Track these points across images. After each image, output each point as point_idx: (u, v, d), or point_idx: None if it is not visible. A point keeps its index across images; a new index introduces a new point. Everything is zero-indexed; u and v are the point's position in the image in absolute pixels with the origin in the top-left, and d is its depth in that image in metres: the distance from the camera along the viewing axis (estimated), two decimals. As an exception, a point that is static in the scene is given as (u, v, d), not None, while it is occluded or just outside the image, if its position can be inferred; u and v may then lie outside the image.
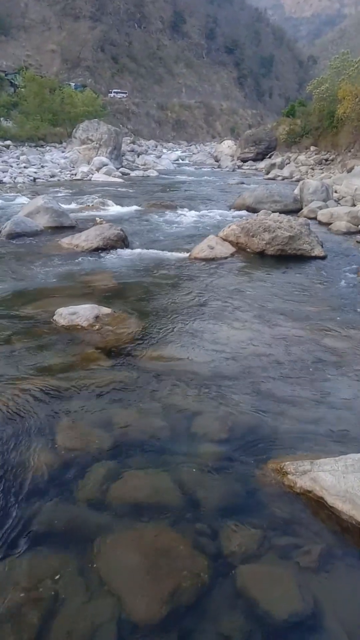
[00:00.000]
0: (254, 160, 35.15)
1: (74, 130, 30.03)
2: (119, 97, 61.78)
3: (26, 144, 32.77)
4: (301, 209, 12.36)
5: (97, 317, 4.73)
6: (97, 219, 10.09)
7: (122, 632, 1.90)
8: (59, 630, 1.89)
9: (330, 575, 2.14)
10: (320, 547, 2.24)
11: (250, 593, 2.04)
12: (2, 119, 36.83)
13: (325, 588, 2.08)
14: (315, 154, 29.90)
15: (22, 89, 40.35)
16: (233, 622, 1.94)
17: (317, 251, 7.88)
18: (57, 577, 2.11)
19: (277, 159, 29.74)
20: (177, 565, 2.17)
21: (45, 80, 41.39)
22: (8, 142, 32.14)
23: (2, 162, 21.75)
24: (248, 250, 8.09)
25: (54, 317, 4.78)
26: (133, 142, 46.00)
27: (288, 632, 1.90)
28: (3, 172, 18.97)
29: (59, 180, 19.51)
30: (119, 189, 17.45)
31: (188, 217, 11.63)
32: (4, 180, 17.69)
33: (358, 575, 2.17)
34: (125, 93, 63.83)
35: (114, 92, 62.23)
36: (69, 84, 51.20)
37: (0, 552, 2.22)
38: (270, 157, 33.75)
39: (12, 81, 48.60)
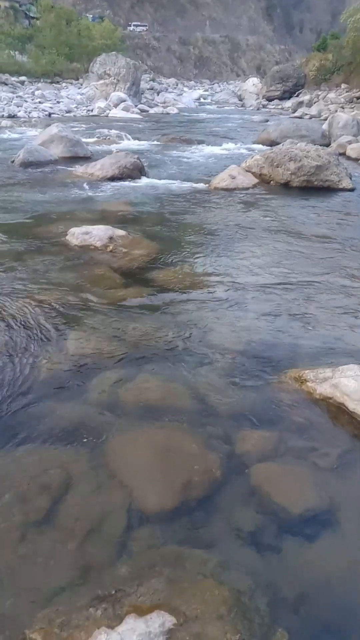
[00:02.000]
0: (280, 99, 33.12)
1: (91, 65, 28.55)
2: (138, 30, 58.21)
3: (42, 80, 31.47)
4: (329, 145, 11.62)
5: (111, 238, 4.55)
6: (114, 150, 9.66)
7: (132, 520, 1.85)
8: (66, 515, 1.86)
9: (348, 476, 2.05)
10: (339, 450, 2.14)
11: (265, 490, 1.96)
12: (16, 52, 35.23)
13: (342, 488, 1.99)
14: (347, 92, 28.01)
15: (37, 21, 38.29)
16: (246, 516, 1.87)
17: (345, 183, 7.42)
18: (66, 468, 2.06)
19: (305, 97, 28.03)
20: (189, 462, 2.10)
21: (63, 9, 39.05)
22: (23, 78, 30.89)
23: (17, 97, 20.94)
24: (272, 182, 7.67)
25: (67, 237, 4.62)
26: (152, 80, 43.78)
27: (303, 525, 1.82)
28: (17, 106, 18.30)
29: (75, 115, 18.75)
30: (137, 125, 16.71)
31: (209, 151, 11.08)
32: (19, 114, 17.06)
33: (378, 479, 2.08)
34: (146, 26, 60.00)
35: (134, 25, 58.56)
36: (87, 16, 48.30)
37: (11, 445, 2.18)
38: (297, 96, 31.75)
39: (27, 13, 46.10)
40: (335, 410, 2.34)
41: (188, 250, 4.70)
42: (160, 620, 1.33)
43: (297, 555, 1.73)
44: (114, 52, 28.79)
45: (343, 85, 29.95)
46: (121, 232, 4.73)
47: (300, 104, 25.74)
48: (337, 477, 2.03)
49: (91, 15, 50.88)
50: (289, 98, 32.49)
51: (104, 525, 1.83)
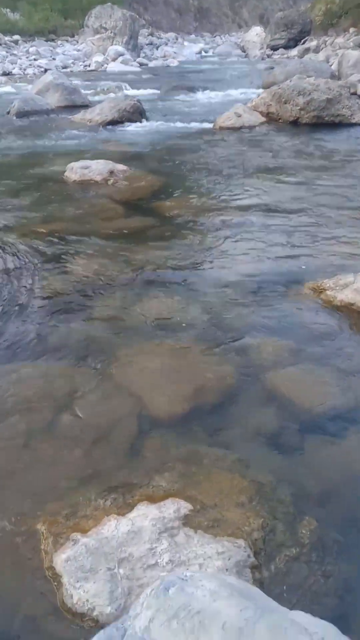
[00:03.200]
0: (285, 47, 31.46)
1: (86, 18, 27.24)
2: (134, -18, 55.22)
3: (36, 38, 30.20)
4: (339, 85, 11.00)
5: (111, 172, 4.31)
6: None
7: (142, 426, 1.72)
8: (73, 422, 1.73)
9: (374, 378, 1.90)
10: (364, 353, 1.98)
11: (285, 392, 1.82)
12: (7, 10, 33.73)
13: (369, 389, 1.84)
14: (355, 36, 26.51)
15: (28, -25, 36.38)
16: (265, 417, 1.74)
17: (358, 117, 7.00)
18: (71, 381, 1.93)
19: (312, 43, 26.65)
20: (201, 370, 1.96)
21: None
22: (16, 37, 29.59)
23: (11, 54, 20.12)
24: (280, 119, 7.26)
25: (65, 173, 4.38)
26: (151, 35, 41.79)
27: (327, 425, 1.69)
28: (12, 63, 17.57)
29: (71, 71, 17.95)
30: (137, 77, 15.97)
31: (212, 96, 10.57)
32: (13, 71, 16.40)
33: None
34: (141, -23, 56.90)
35: (129, -23, 55.55)
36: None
37: (15, 360, 2.05)
38: (303, 43, 30.16)
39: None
40: (358, 316, 2.17)
41: (192, 183, 4.45)
42: (175, 507, 1.21)
43: (323, 453, 1.60)
44: (109, 4, 27.37)
45: (351, 30, 28.34)
46: (122, 167, 4.49)
47: (307, 50, 24.48)
48: (361, 379, 1.87)
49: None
50: (295, 46, 30.85)
51: (113, 430, 1.71)
